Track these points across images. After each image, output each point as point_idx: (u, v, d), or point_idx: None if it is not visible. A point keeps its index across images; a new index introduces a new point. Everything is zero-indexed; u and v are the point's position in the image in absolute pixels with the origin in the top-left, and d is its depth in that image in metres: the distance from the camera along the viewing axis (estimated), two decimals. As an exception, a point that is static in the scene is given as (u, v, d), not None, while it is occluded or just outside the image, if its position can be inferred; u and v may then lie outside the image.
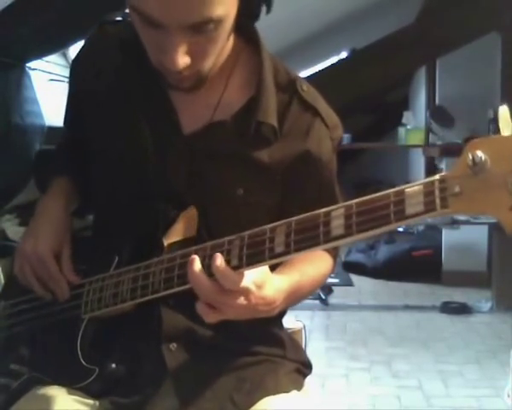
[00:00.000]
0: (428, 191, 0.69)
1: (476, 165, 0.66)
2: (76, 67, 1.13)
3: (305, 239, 0.77)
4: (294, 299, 0.98)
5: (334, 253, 1.09)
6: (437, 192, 0.68)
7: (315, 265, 1.03)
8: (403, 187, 0.72)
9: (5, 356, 1.05)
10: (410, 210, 0.70)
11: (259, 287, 0.84)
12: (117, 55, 1.03)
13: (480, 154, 0.65)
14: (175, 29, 0.84)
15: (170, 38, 0.85)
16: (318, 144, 1.02)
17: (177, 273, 0.88)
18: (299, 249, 0.78)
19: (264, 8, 0.96)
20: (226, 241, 0.84)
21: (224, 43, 0.94)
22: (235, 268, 0.81)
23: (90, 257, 1.06)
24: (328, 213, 0.76)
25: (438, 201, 0.68)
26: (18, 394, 0.98)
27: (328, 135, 1.04)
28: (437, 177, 0.70)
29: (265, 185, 1.00)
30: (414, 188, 0.70)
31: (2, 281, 1.14)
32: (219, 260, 0.81)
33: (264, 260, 0.80)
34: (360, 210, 0.73)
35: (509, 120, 0.67)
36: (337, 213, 0.75)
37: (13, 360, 1.03)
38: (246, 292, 0.82)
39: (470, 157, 0.66)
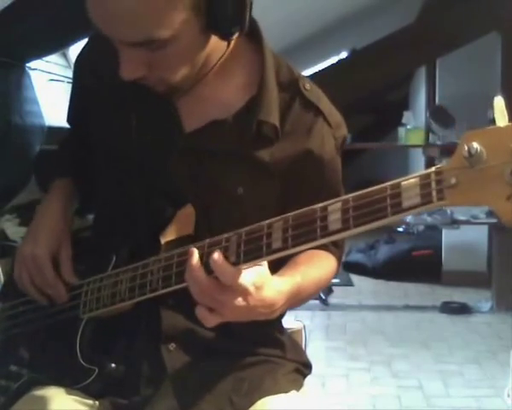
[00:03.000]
0: (425, 184, 0.69)
1: (472, 156, 0.65)
2: (79, 65, 1.14)
3: (303, 234, 0.77)
4: (296, 301, 0.96)
5: (338, 254, 1.08)
6: (433, 184, 0.68)
7: (318, 267, 1.02)
8: (399, 180, 0.71)
9: (4, 358, 1.05)
10: (406, 203, 0.69)
11: (258, 288, 0.83)
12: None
13: (475, 145, 0.65)
14: (123, 44, 0.86)
15: (121, 50, 0.87)
16: (321, 143, 1.02)
17: (175, 271, 0.88)
18: (296, 245, 0.77)
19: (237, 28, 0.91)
20: (224, 238, 0.83)
21: (193, 55, 0.91)
22: (233, 265, 0.81)
23: (88, 257, 1.06)
24: (324, 208, 0.76)
25: (434, 193, 0.68)
26: (17, 395, 0.98)
27: (330, 134, 1.03)
28: (433, 169, 0.69)
29: (266, 185, 0.99)
30: (410, 181, 0.70)
31: (2, 281, 1.14)
32: (217, 254, 0.80)
33: (262, 256, 0.80)
34: (357, 204, 0.73)
35: (504, 110, 0.67)
36: (334, 208, 0.75)
37: (12, 362, 1.03)
38: (244, 292, 0.81)
39: (466, 149, 0.66)
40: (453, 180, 0.67)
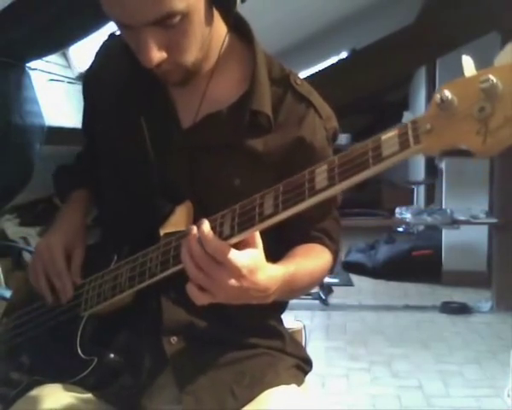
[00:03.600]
0: (402, 133, 0.74)
1: (444, 102, 0.71)
2: (88, 81, 1.18)
3: (292, 197, 0.80)
4: (290, 291, 0.97)
5: (333, 248, 1.09)
6: (410, 132, 0.73)
7: (313, 259, 1.03)
8: (379, 135, 0.77)
9: (5, 366, 1.05)
10: (386, 152, 0.74)
11: (252, 271, 0.83)
12: (125, 64, 1.06)
13: (446, 93, 0.71)
14: (141, 27, 0.88)
15: (140, 36, 0.90)
16: (312, 132, 1.04)
17: (172, 254, 0.89)
18: (286, 207, 0.80)
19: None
20: (219, 216, 0.86)
21: (202, 34, 0.96)
22: (227, 237, 0.83)
23: (90, 258, 1.07)
24: (312, 171, 0.80)
25: (411, 139, 0.73)
26: (15, 400, 0.98)
27: (321, 125, 1.06)
28: (410, 120, 0.75)
29: (261, 175, 1.01)
30: (389, 134, 0.76)
31: (3, 281, 1.15)
32: (205, 224, 0.82)
33: (255, 224, 0.82)
34: (341, 162, 0.78)
35: (473, 67, 0.72)
36: (321, 170, 0.80)
37: (13, 369, 1.04)
38: (237, 272, 0.82)
39: (438, 96, 0.71)
40: (428, 126, 0.72)
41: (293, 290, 0.99)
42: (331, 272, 1.12)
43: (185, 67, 0.96)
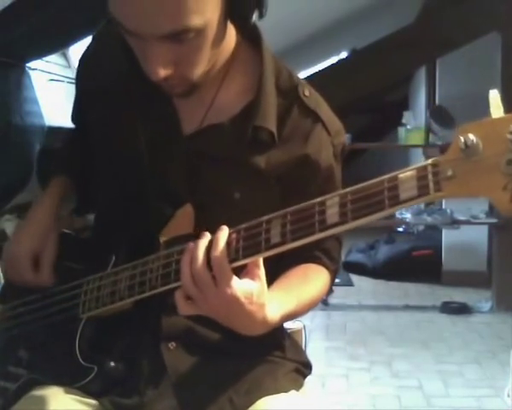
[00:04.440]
0: (421, 176, 0.69)
1: (468, 148, 0.66)
2: (83, 64, 1.13)
3: (301, 228, 0.77)
4: (284, 322, 0.97)
5: (332, 267, 1.07)
6: (430, 176, 0.69)
7: (312, 287, 1.01)
8: (396, 173, 0.72)
9: (3, 359, 1.05)
10: (403, 195, 0.70)
11: (249, 301, 0.82)
12: (122, 54, 1.02)
13: (471, 137, 0.66)
14: (152, 39, 0.84)
15: (149, 48, 0.85)
16: (318, 150, 1.01)
17: (174, 268, 0.88)
18: (295, 239, 0.78)
19: (256, 13, 0.92)
20: None
21: (214, 48, 0.92)
22: (233, 261, 0.81)
23: (87, 257, 1.06)
24: (323, 203, 0.77)
25: (431, 184, 0.68)
26: (16, 396, 0.98)
27: (329, 141, 1.03)
28: (430, 161, 0.70)
29: (262, 191, 0.99)
30: (407, 173, 0.71)
31: (2, 281, 1.15)
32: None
33: (261, 251, 0.80)
34: (355, 198, 0.74)
35: (500, 103, 0.68)
36: (332, 202, 0.76)
37: (11, 363, 1.03)
38: (235, 299, 0.81)
39: (462, 140, 0.66)
40: (450, 172, 0.68)
41: (288, 320, 0.98)
42: (328, 292, 1.10)
43: (191, 80, 0.92)
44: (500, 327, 3.83)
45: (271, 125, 0.98)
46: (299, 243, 0.78)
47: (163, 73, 0.86)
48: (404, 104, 7.30)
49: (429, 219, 4.60)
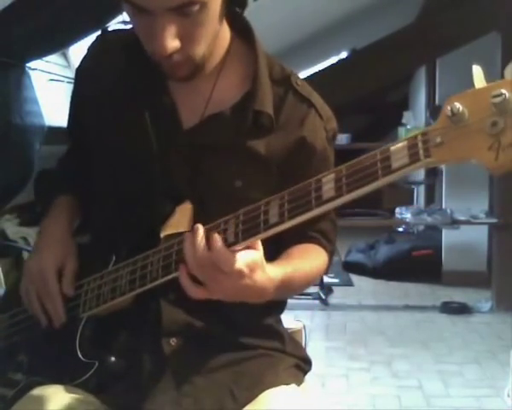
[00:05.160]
0: (412, 144, 0.73)
1: (455, 115, 0.70)
2: (80, 74, 1.16)
3: (298, 206, 0.80)
4: (285, 291, 0.97)
5: (329, 248, 1.10)
6: (420, 144, 0.72)
7: (309, 260, 1.04)
8: (388, 145, 0.75)
9: (3, 366, 1.05)
10: (395, 164, 0.73)
11: (252, 271, 0.84)
12: (119, 59, 1.05)
13: (457, 105, 0.70)
14: (160, 13, 0.87)
15: (157, 22, 0.88)
16: (313, 133, 1.05)
17: (174, 258, 0.89)
18: (292, 217, 0.80)
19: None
20: (222, 221, 0.85)
21: (215, 29, 0.96)
22: (232, 245, 0.83)
23: (87, 257, 1.06)
24: (319, 180, 0.80)
25: (421, 151, 0.72)
26: (15, 400, 0.98)
27: (322, 125, 1.06)
28: (419, 131, 0.74)
29: (263, 177, 1.01)
30: (398, 144, 0.74)
31: (2, 280, 1.15)
32: (217, 236, 0.82)
33: (259, 232, 0.82)
34: (349, 172, 0.77)
35: (483, 77, 0.73)
36: (328, 179, 0.79)
37: (11, 369, 1.03)
38: (237, 273, 0.82)
39: (449, 108, 0.70)
40: (438, 139, 0.71)
41: (289, 291, 1.00)
42: (326, 272, 1.12)
43: (194, 59, 0.95)
44: (500, 327, 3.83)
45: (269, 109, 1.01)
46: (297, 220, 0.80)
47: (170, 46, 0.90)
48: (404, 104, 7.31)
49: (429, 219, 4.60)
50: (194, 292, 0.85)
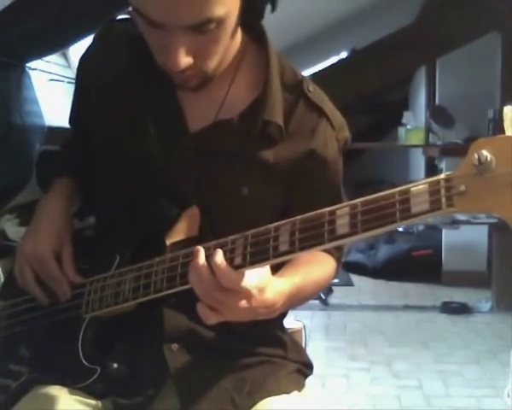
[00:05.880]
0: (434, 190, 0.69)
1: (482, 164, 0.66)
2: (84, 64, 1.13)
3: (310, 237, 0.77)
4: (295, 302, 0.97)
5: (337, 255, 1.09)
6: (442, 191, 0.69)
7: (318, 268, 1.03)
8: (408, 186, 0.72)
9: (5, 357, 1.04)
10: (415, 209, 0.70)
11: (261, 290, 0.83)
12: (125, 53, 1.03)
13: (485, 153, 0.66)
14: (176, 30, 0.85)
15: (171, 38, 0.86)
16: (324, 144, 1.02)
17: (179, 272, 0.88)
18: (304, 248, 0.77)
19: (268, 7, 0.96)
20: (230, 240, 0.83)
21: (229, 42, 0.94)
22: (239, 267, 0.81)
23: (91, 256, 1.06)
24: (333, 212, 0.76)
25: (443, 200, 0.68)
26: (17, 394, 0.98)
27: (333, 136, 1.04)
28: (442, 176, 0.70)
29: (270, 185, 1.00)
30: (419, 187, 0.71)
31: (2, 280, 1.14)
32: (219, 256, 0.80)
33: (269, 258, 0.80)
34: (365, 209, 0.73)
35: None
36: (342, 212, 0.75)
37: (12, 361, 1.03)
38: (247, 295, 0.82)
39: (476, 157, 0.67)
40: (462, 187, 0.68)
41: (298, 300, 0.99)
42: (334, 278, 1.12)
43: (206, 73, 0.93)
44: (500, 327, 3.83)
45: (279, 119, 0.99)
46: (307, 251, 0.78)
47: (184, 63, 0.88)
48: (404, 104, 7.29)
49: (430, 219, 4.59)
50: (210, 318, 0.83)
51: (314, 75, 4.97)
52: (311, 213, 0.78)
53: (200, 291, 0.82)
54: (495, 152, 0.66)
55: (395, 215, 0.71)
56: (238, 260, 0.81)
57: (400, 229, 6.22)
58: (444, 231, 4.96)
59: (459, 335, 3.76)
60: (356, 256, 5.47)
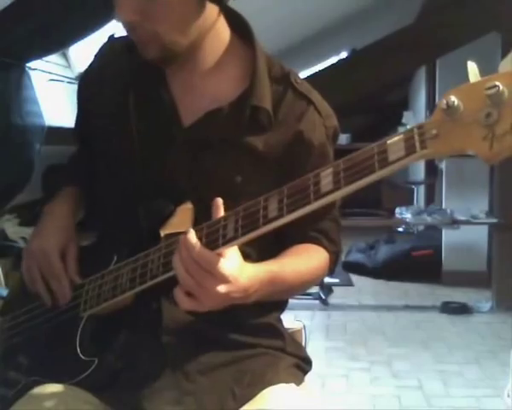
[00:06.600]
0: (408, 137, 0.74)
1: (450, 108, 0.72)
2: (85, 80, 1.17)
3: (297, 200, 0.81)
4: (276, 290, 0.97)
5: (331, 249, 1.09)
6: (416, 137, 0.74)
7: (305, 259, 1.04)
8: (385, 139, 0.77)
9: (3, 366, 1.05)
10: (392, 156, 0.75)
11: (236, 276, 0.85)
12: (125, 65, 1.06)
13: (453, 98, 0.72)
14: None
15: None
16: (311, 128, 1.05)
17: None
18: (291, 211, 0.81)
19: None
20: (222, 218, 0.86)
21: (185, 17, 0.96)
22: (231, 239, 0.84)
23: (89, 258, 1.07)
24: (317, 174, 0.81)
25: (417, 144, 0.73)
26: (15, 401, 0.97)
27: (321, 122, 1.06)
28: (415, 125, 0.76)
29: (262, 173, 1.02)
30: (395, 138, 0.76)
31: (2, 280, 1.15)
32: (190, 234, 0.83)
33: (259, 226, 0.82)
34: (347, 166, 0.78)
35: (477, 72, 0.74)
36: (326, 173, 0.80)
37: (10, 369, 1.03)
38: (224, 280, 0.84)
39: (444, 102, 0.72)
40: (434, 131, 0.73)
41: (281, 290, 0.99)
42: (330, 273, 1.12)
43: (161, 40, 0.96)
44: (500, 327, 3.83)
45: (268, 105, 1.02)
46: (295, 214, 0.81)
47: (129, 16, 0.94)
48: (404, 104, 7.31)
49: (429, 219, 4.60)
50: (185, 303, 0.86)
51: (314, 75, 4.98)
52: (297, 180, 0.82)
53: (181, 272, 0.84)
54: (462, 97, 0.72)
55: (374, 165, 0.75)
56: (230, 234, 0.84)
57: (400, 229, 6.23)
58: (444, 231, 4.97)
59: (459, 335, 3.76)
60: (356, 256, 5.47)
